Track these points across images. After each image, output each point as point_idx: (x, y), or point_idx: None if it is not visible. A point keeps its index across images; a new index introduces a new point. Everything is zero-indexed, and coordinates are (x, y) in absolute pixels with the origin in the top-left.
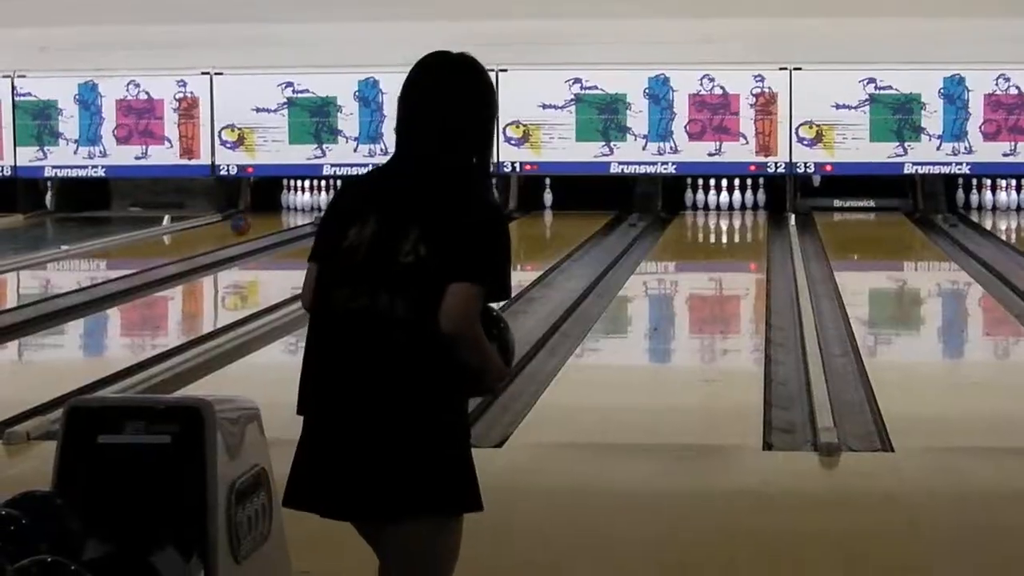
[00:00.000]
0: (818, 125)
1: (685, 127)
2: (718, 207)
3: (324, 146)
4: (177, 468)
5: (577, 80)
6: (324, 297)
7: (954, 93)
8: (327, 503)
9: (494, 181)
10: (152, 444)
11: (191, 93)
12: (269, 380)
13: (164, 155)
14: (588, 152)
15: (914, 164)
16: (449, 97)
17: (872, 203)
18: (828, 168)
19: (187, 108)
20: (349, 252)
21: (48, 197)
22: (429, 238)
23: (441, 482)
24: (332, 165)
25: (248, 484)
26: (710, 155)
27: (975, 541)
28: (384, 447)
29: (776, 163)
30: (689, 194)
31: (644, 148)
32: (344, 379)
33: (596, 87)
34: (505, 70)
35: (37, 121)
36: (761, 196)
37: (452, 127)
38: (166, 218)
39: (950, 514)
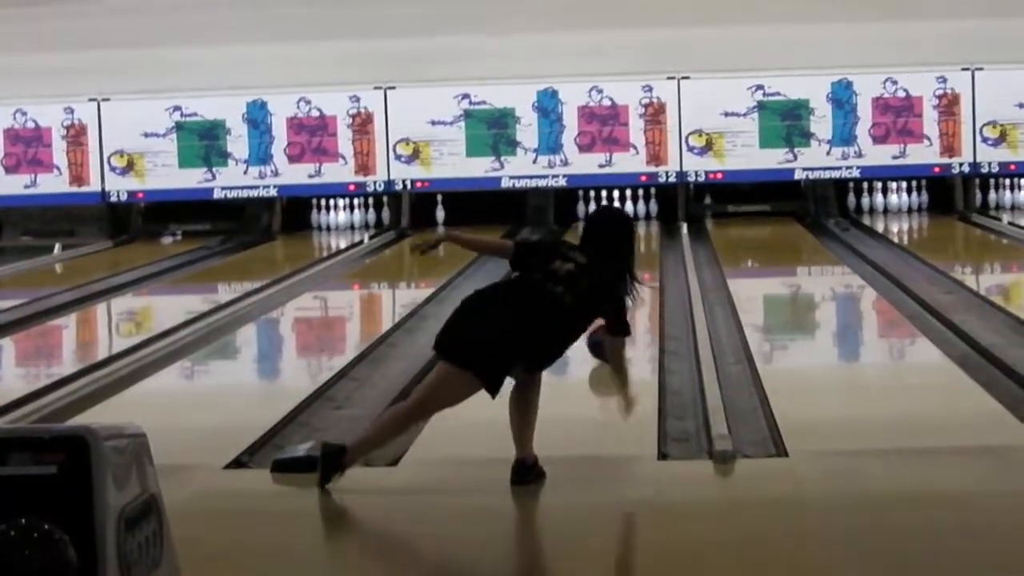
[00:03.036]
0: (708, 133)
1: (575, 139)
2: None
3: (214, 169)
4: (65, 498)
5: (465, 95)
6: (525, 275)
7: (842, 97)
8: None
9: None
10: (39, 475)
11: (79, 120)
12: (163, 405)
13: (54, 183)
14: (479, 167)
15: (804, 169)
16: (620, 237)
17: (767, 207)
18: (718, 176)
19: (75, 135)
20: (552, 271)
21: None
22: (593, 285)
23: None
24: (223, 188)
25: (138, 511)
26: (601, 167)
27: (871, 543)
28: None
29: (667, 172)
30: (581, 206)
31: (535, 162)
32: (508, 303)
33: (485, 102)
34: (393, 87)
35: None
36: (653, 206)
37: (617, 251)
38: (57, 246)
39: (845, 517)
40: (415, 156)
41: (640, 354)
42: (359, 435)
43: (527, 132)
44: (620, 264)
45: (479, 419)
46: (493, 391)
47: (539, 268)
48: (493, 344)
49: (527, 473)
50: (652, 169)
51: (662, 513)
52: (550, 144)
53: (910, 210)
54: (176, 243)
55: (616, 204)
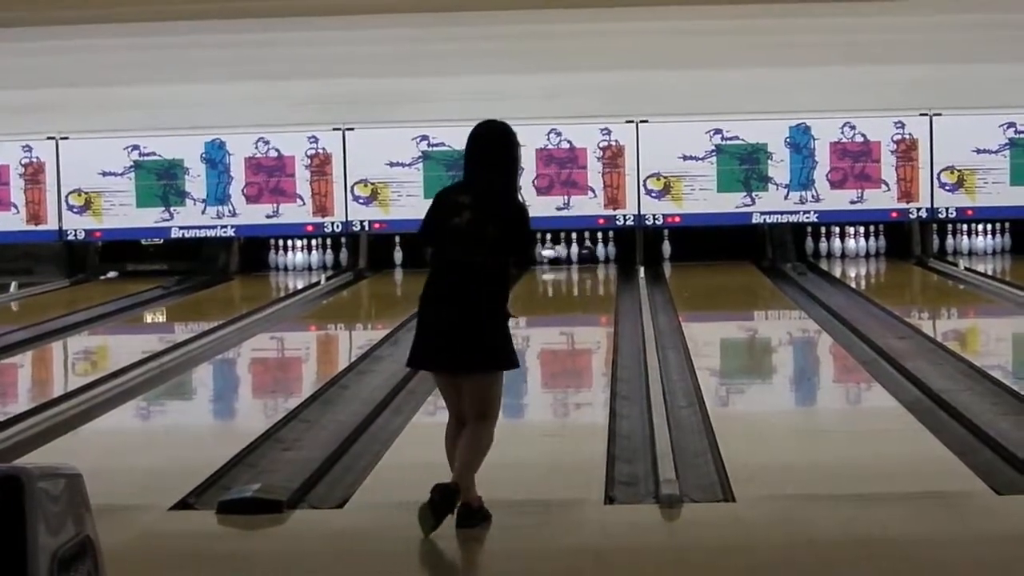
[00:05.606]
0: (666, 177)
1: (533, 182)
2: (568, 260)
3: (172, 209)
4: None
5: (424, 137)
6: (440, 253)
7: (800, 142)
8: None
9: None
10: None
11: (37, 158)
12: (113, 445)
13: (11, 221)
14: None
15: (762, 214)
16: (503, 151)
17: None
18: (676, 220)
19: (33, 173)
20: (454, 230)
21: None
22: (497, 229)
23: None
24: (180, 228)
25: (71, 553)
26: (559, 209)
27: None
28: (480, 333)
29: (625, 216)
30: (539, 248)
31: None
32: (454, 297)
33: (443, 144)
34: (352, 129)
35: None
36: (611, 249)
37: (501, 167)
38: (13, 284)
39: (790, 562)
40: (373, 197)
41: (592, 398)
42: (458, 469)
43: None
44: (503, 184)
45: (424, 462)
46: (514, 365)
47: (445, 236)
48: (472, 340)
49: (472, 516)
50: (610, 212)
51: (605, 557)
52: None
53: (867, 255)
54: (112, 279)
55: (574, 246)
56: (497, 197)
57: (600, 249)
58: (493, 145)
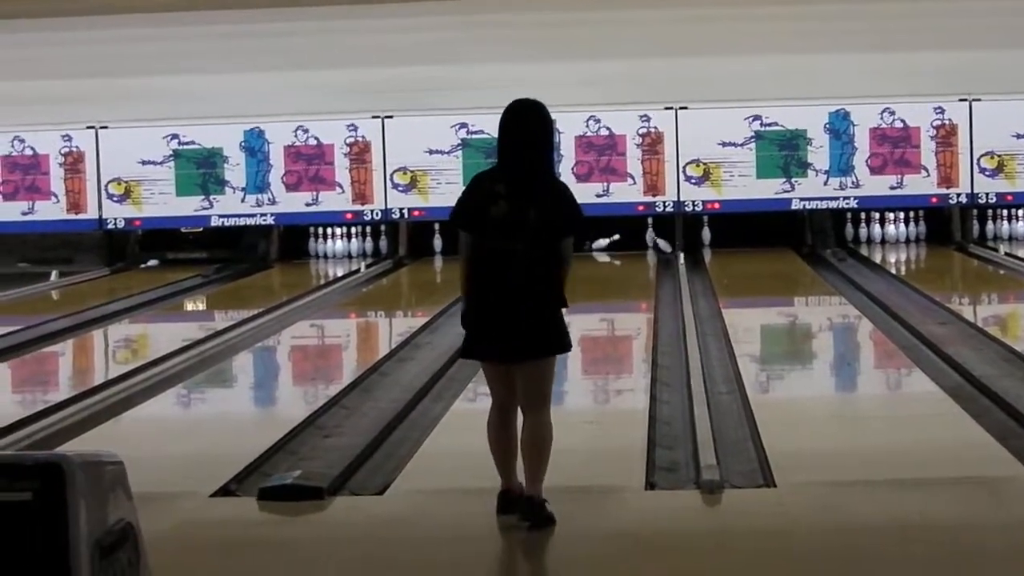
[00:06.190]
0: (705, 163)
1: (572, 169)
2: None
3: (211, 197)
4: (39, 525)
5: (463, 125)
6: (479, 242)
7: (839, 128)
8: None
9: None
10: (13, 502)
11: (77, 147)
12: (154, 432)
13: (51, 210)
14: None
15: (801, 200)
16: (538, 129)
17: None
18: (716, 206)
19: (73, 162)
20: (492, 220)
21: None
22: (540, 212)
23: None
24: (220, 216)
25: (113, 540)
26: (598, 196)
27: (858, 575)
28: (526, 320)
29: (664, 202)
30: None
31: None
32: (498, 286)
33: (482, 131)
34: (391, 116)
35: None
36: (650, 236)
37: (537, 145)
38: (54, 273)
39: (832, 548)
40: (412, 185)
41: (632, 384)
42: (528, 474)
43: None
44: (541, 164)
45: (464, 449)
46: (565, 349)
47: (484, 226)
48: (517, 328)
49: (513, 503)
50: (649, 199)
51: (646, 544)
52: None
53: (907, 241)
54: (152, 268)
55: (617, 236)
56: (535, 180)
57: (649, 235)
58: (527, 123)
